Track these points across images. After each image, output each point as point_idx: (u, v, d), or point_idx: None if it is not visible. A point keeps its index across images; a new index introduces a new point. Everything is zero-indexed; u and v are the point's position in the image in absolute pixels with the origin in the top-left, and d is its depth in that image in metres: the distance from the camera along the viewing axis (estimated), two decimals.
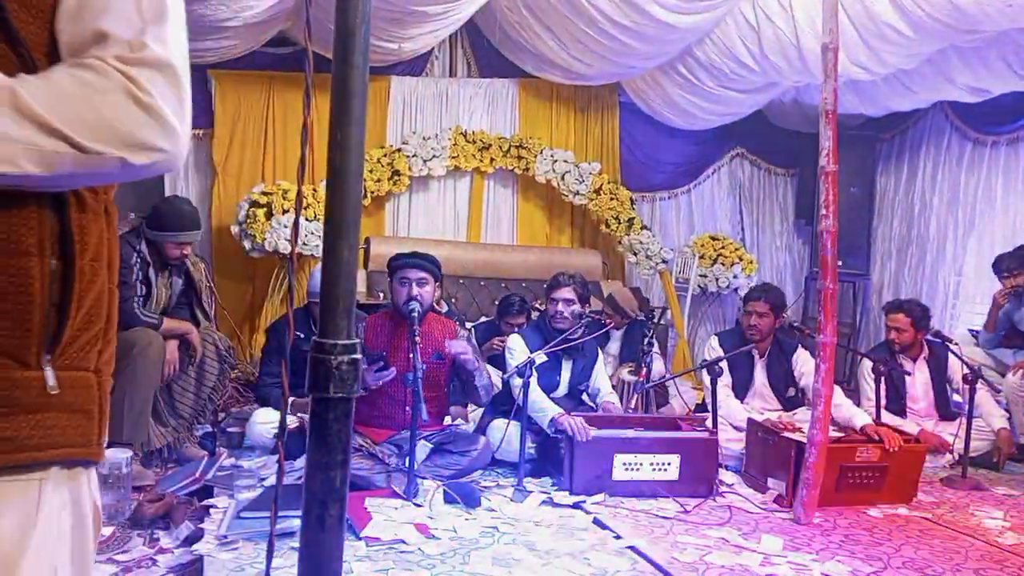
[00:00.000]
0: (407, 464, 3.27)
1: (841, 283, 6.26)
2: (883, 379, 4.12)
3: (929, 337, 4.52)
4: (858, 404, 4.12)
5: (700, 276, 6.50)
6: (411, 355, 3.33)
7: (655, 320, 4.59)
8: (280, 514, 2.78)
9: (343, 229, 0.89)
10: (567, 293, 3.97)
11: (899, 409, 4.41)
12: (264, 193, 5.53)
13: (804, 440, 3.35)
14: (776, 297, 4.26)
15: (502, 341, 4.28)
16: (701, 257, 6.49)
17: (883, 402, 4.14)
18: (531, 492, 3.45)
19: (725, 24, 5.46)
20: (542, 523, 3.12)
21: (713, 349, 4.22)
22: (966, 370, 4.06)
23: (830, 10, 3.23)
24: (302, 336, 3.90)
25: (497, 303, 4.93)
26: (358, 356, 0.89)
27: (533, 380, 3.57)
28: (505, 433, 3.66)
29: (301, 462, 3.60)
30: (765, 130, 7.16)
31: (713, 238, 6.63)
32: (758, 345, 4.21)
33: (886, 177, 7.26)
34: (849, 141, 6.39)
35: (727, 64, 5.71)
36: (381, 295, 5.30)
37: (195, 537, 2.72)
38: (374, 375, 3.40)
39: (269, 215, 5.45)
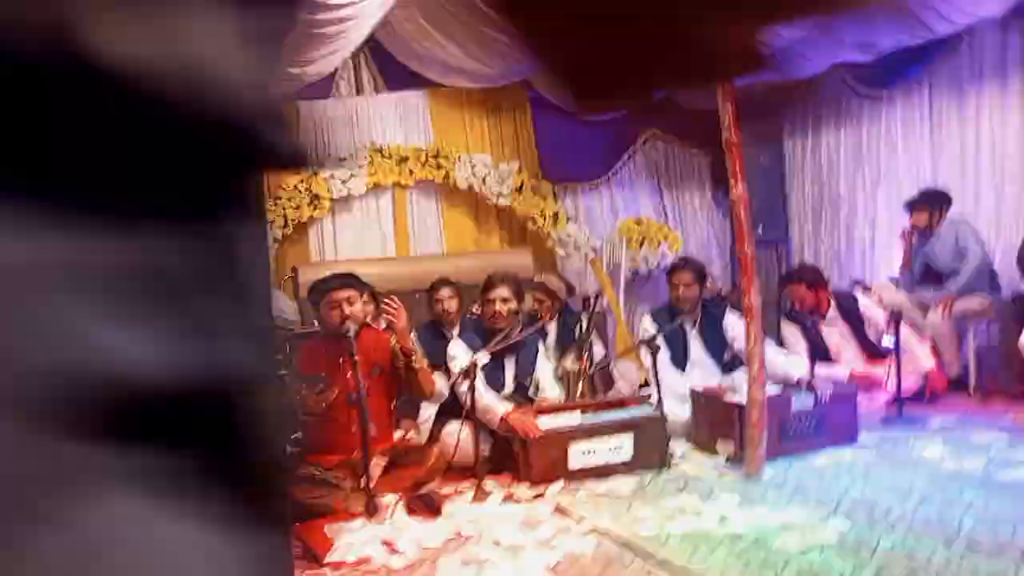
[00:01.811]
0: (363, 483, 3.26)
1: (765, 249, 6.46)
2: (805, 337, 4.30)
3: (834, 295, 4.71)
4: None
5: (630, 260, 6.62)
6: (351, 375, 3.32)
7: (592, 309, 4.66)
8: None
9: None
10: (503, 292, 4.01)
11: (826, 359, 4.58)
12: None
13: (743, 401, 3.46)
14: (698, 266, 4.40)
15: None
16: (628, 241, 6.61)
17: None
18: (491, 492, 3.47)
19: None
20: (505, 519, 3.15)
21: (646, 328, 4.32)
22: (884, 315, 4.24)
23: None
24: None
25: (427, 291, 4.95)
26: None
27: (479, 382, 3.59)
28: (458, 439, 3.68)
29: None
30: (672, 110, 7.31)
31: (637, 221, 6.76)
32: (689, 315, 4.32)
33: (793, 142, 7.49)
34: (754, 112, 6.59)
35: None
36: (315, 322, 5.25)
37: None
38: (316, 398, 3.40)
39: None
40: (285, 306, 4.36)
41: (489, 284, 4.09)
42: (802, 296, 4.60)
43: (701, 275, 4.37)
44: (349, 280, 3.63)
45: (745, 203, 3.26)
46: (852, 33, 5.66)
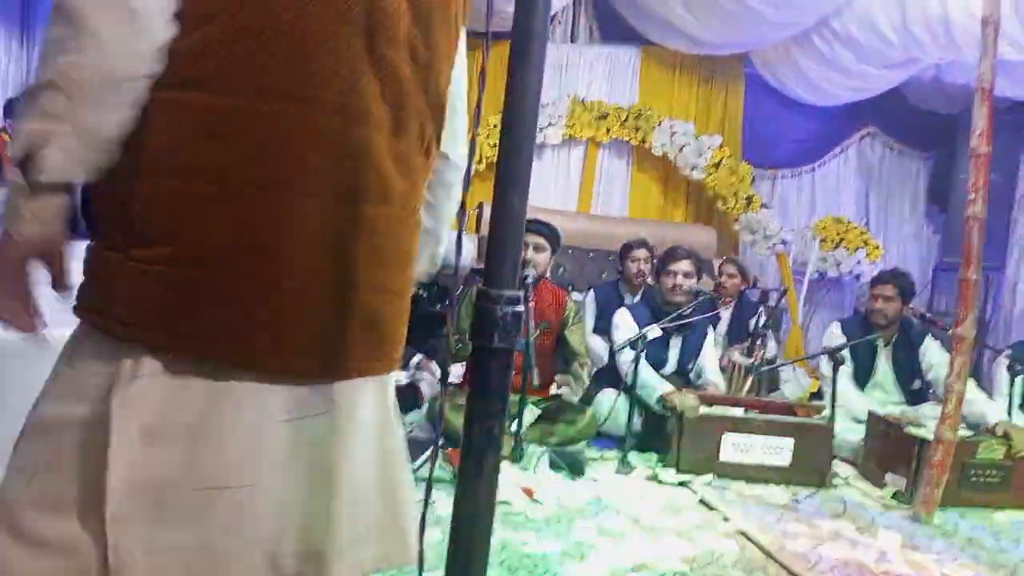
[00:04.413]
0: (515, 427, 3.30)
1: None
2: (1019, 377, 3.85)
3: None
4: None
5: (820, 260, 6.23)
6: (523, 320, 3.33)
7: (773, 304, 4.43)
8: None
9: (514, 177, 0.87)
10: (686, 266, 3.87)
11: None
12: None
13: (928, 436, 3.19)
14: (905, 282, 4.04)
15: None
16: (823, 240, 6.22)
17: (1019, 401, 3.88)
18: (636, 467, 3.42)
19: None
20: (647, 498, 3.09)
21: (834, 335, 4.03)
22: None
23: None
24: (424, 295, 3.97)
25: (619, 249, 4.84)
26: (521, 308, 0.88)
27: (642, 356, 3.51)
28: (613, 405, 3.63)
29: (410, 417, 3.69)
30: (900, 109, 6.75)
31: (837, 220, 6.34)
32: (883, 333, 3.99)
33: None
34: (995, 124, 5.95)
35: (866, 36, 5.39)
36: None
37: None
38: None
39: None
40: (465, 243, 4.43)
41: (672, 256, 3.95)
42: None
43: (908, 291, 4.01)
44: (547, 231, 3.62)
45: (982, 224, 2.93)
46: None
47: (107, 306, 0.86)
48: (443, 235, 1.21)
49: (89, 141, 0.81)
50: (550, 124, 6.13)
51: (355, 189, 0.91)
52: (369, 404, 0.98)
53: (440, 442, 3.11)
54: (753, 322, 4.27)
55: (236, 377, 0.87)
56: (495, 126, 6.02)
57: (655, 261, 4.43)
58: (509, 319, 0.86)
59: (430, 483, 0.85)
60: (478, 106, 0.85)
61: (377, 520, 0.98)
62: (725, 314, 4.84)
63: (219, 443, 0.86)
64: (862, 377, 4.04)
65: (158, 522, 0.84)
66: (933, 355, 3.92)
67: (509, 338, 0.86)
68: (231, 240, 0.86)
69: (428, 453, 2.79)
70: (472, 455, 0.85)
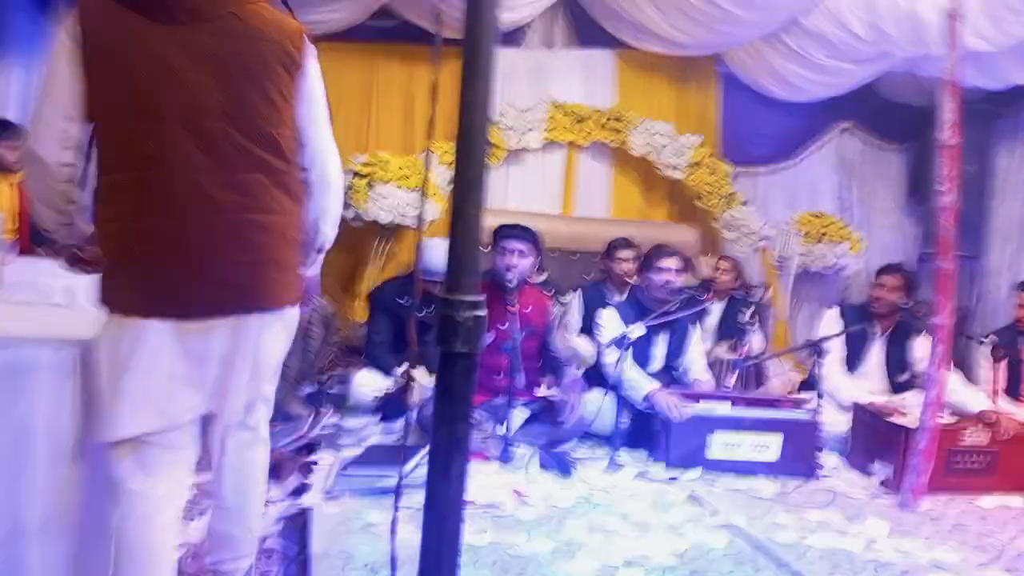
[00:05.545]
0: (503, 429, 3.32)
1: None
2: (1002, 363, 3.90)
3: None
4: None
5: (803, 255, 6.27)
6: (506, 324, 3.36)
7: (759, 299, 4.47)
8: (378, 472, 2.84)
9: (470, 187, 0.90)
10: (675, 262, 3.89)
11: (1017, 395, 4.17)
12: (366, 164, 5.64)
13: (912, 425, 3.23)
14: (909, 275, 4.10)
15: None
16: (805, 235, 6.26)
17: (1002, 386, 3.93)
18: (624, 465, 3.45)
19: None
20: (636, 495, 3.12)
21: (831, 319, 4.06)
22: None
23: None
24: (404, 304, 3.95)
25: (604, 249, 4.87)
26: (483, 313, 0.90)
27: (628, 355, 3.53)
28: (600, 405, 3.65)
29: (400, 423, 3.70)
30: (876, 103, 6.79)
31: (817, 215, 6.38)
32: (881, 323, 4.03)
33: (1006, 155, 6.79)
34: (966, 116, 5.99)
35: (836, 34, 5.45)
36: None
37: (302, 490, 2.84)
38: None
39: (370, 185, 5.56)
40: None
41: (660, 252, 3.97)
42: None
43: (910, 284, 4.07)
44: (528, 235, 3.65)
45: (955, 214, 2.98)
46: None
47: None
48: (324, 233, 2.04)
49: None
50: (529, 129, 6.15)
51: (187, 210, 1.56)
52: (228, 333, 1.68)
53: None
54: (738, 318, 4.30)
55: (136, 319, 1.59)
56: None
57: (640, 260, 4.44)
58: (471, 324, 0.88)
59: (400, 482, 0.88)
60: (431, 120, 0.88)
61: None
62: (716, 309, 4.86)
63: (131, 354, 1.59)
64: (852, 364, 4.08)
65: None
66: (923, 348, 3.95)
67: (471, 343, 0.88)
68: (122, 245, 1.57)
69: (418, 456, 2.79)
70: (438, 458, 0.88)
